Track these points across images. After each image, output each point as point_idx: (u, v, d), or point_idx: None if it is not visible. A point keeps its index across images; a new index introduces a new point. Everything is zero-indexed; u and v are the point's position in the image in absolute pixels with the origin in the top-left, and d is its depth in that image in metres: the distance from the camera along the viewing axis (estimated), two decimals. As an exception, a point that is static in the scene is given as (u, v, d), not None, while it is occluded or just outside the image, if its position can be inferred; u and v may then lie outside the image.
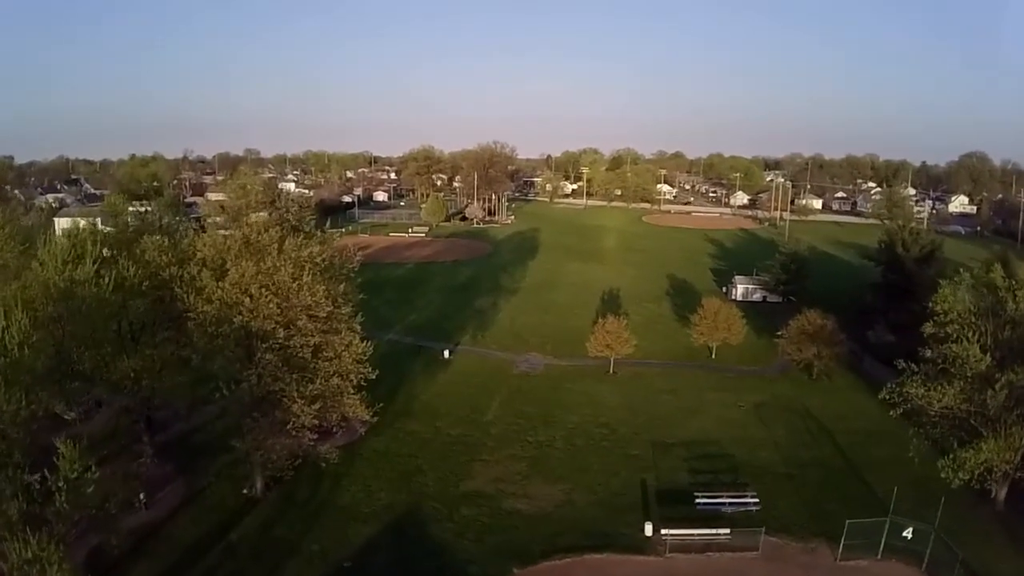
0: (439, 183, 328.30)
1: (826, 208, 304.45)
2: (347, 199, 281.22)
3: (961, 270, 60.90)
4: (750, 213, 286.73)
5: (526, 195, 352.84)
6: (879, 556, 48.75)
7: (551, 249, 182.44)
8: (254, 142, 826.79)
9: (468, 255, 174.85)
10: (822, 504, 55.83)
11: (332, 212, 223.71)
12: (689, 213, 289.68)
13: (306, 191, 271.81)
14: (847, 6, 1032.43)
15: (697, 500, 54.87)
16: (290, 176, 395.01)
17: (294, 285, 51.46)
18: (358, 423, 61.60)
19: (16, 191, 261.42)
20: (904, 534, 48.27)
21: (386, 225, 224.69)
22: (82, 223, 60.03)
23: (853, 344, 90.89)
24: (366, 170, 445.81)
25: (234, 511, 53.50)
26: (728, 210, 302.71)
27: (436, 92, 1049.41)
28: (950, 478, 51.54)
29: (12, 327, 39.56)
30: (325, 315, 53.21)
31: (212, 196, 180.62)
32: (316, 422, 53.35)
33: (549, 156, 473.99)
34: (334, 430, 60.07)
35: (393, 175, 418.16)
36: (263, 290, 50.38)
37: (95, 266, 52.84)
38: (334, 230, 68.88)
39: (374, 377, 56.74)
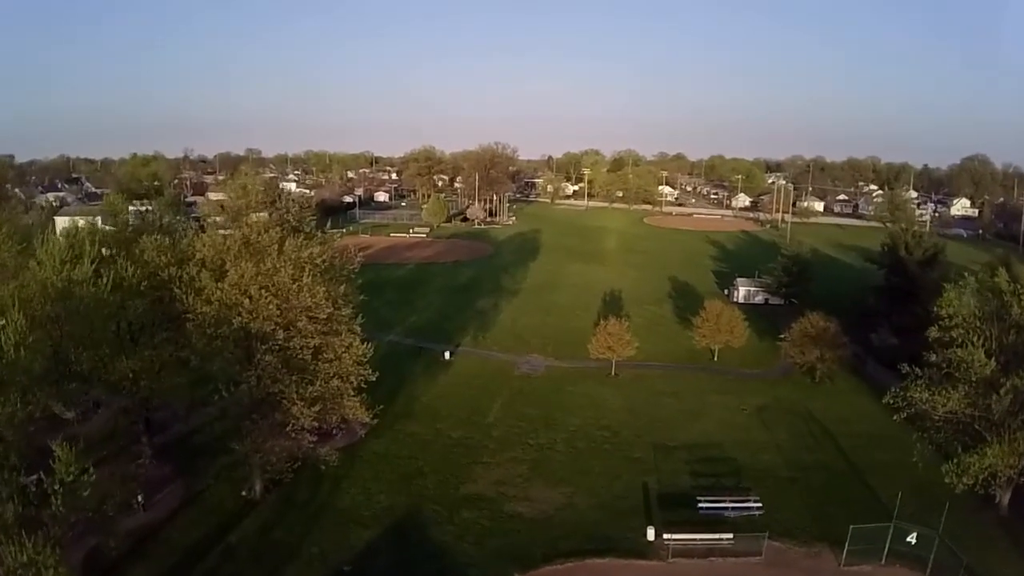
0: (440, 184, 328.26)
1: (828, 210, 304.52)
2: (348, 199, 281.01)
3: (966, 274, 60.49)
4: (751, 215, 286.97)
5: (527, 196, 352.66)
6: (883, 561, 48.37)
7: (552, 250, 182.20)
8: (255, 142, 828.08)
9: (469, 256, 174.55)
10: (825, 508, 55.38)
11: (333, 212, 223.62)
12: (690, 215, 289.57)
13: (307, 191, 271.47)
14: (848, 7, 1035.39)
15: (700, 504, 54.48)
16: (291, 176, 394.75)
17: (294, 286, 50.99)
18: (358, 425, 61.23)
19: (17, 190, 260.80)
20: (908, 539, 47.96)
21: (387, 226, 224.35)
22: (81, 222, 59.62)
23: (856, 347, 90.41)
24: (367, 170, 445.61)
25: (233, 513, 53.06)
26: (729, 212, 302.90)
27: (437, 92, 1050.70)
28: (954, 483, 51.08)
29: (8, 327, 39.12)
30: (325, 317, 52.71)
31: (213, 196, 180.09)
32: (316, 424, 52.92)
33: (550, 157, 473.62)
34: (334, 432, 59.86)
35: (394, 175, 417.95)
36: (263, 291, 49.90)
37: (93, 266, 52.41)
38: (335, 230, 68.44)
39: (374, 379, 56.24)
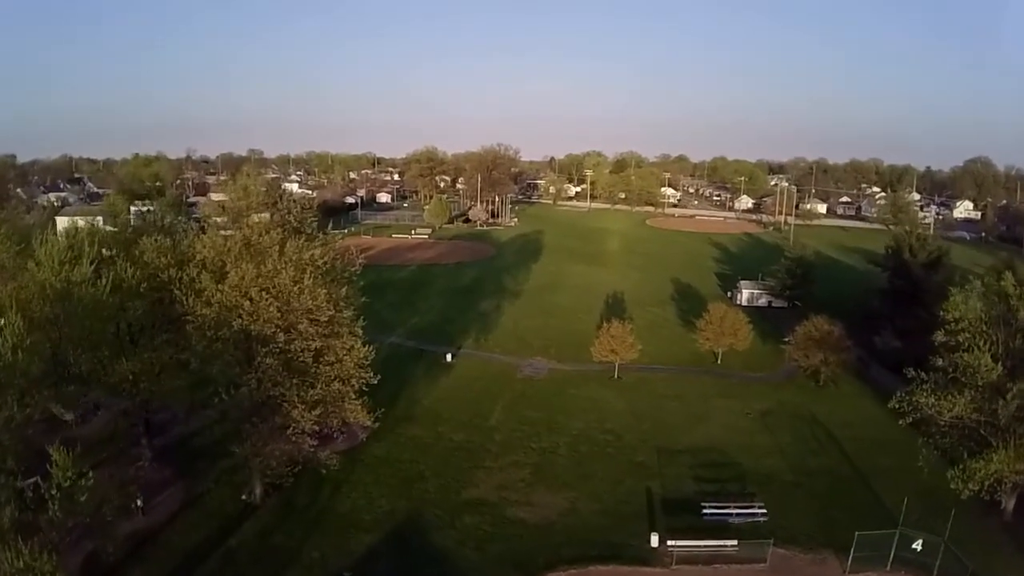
0: (442, 185, 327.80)
1: (830, 212, 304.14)
2: (350, 200, 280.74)
3: (972, 277, 59.99)
4: (754, 217, 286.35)
5: (529, 197, 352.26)
6: (888, 568, 47.97)
7: (554, 252, 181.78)
8: (258, 142, 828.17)
9: (471, 257, 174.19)
10: (830, 514, 55.00)
11: (335, 213, 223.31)
12: (693, 216, 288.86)
13: (309, 192, 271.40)
14: (849, 8, 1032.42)
15: (704, 510, 54.02)
16: (293, 177, 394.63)
17: (295, 288, 50.54)
18: (359, 428, 60.88)
19: (19, 190, 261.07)
20: (914, 546, 47.57)
21: (389, 227, 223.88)
22: (81, 223, 59.29)
23: (859, 350, 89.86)
24: (369, 171, 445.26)
25: (233, 517, 52.62)
26: (732, 214, 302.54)
27: (439, 93, 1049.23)
28: (960, 489, 50.68)
29: (6, 330, 38.73)
30: (326, 319, 52.31)
31: (215, 196, 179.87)
32: (316, 427, 52.50)
33: (552, 158, 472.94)
34: (335, 435, 59.39)
35: (396, 176, 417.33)
36: (263, 293, 49.55)
37: (93, 267, 52.03)
38: (336, 231, 68.05)
39: (376, 382, 55.77)
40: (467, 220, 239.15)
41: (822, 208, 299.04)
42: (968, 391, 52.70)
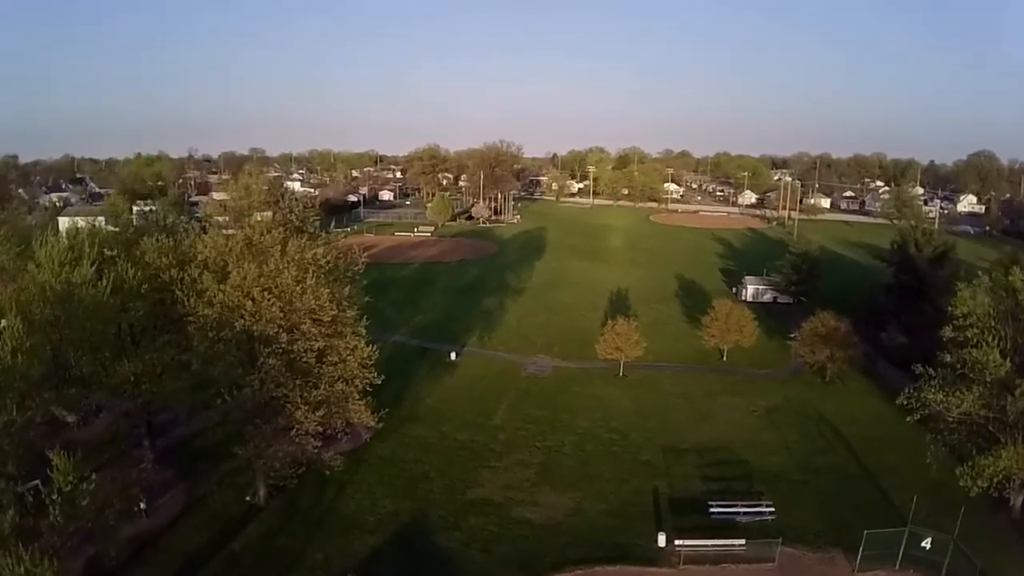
0: (445, 182, 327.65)
1: (834, 207, 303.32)
2: (352, 198, 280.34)
3: (980, 273, 59.42)
4: (758, 212, 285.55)
5: (532, 194, 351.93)
6: (897, 567, 47.52)
7: (558, 248, 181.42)
8: (260, 141, 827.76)
9: (474, 255, 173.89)
10: (838, 512, 54.47)
11: (337, 211, 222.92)
12: (696, 212, 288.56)
13: (311, 190, 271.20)
14: (851, 7, 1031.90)
15: (711, 509, 53.56)
16: (295, 175, 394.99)
17: (297, 288, 50.09)
18: (363, 428, 60.47)
19: (20, 190, 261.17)
20: (923, 544, 47.10)
21: (391, 224, 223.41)
22: (81, 223, 58.91)
23: (866, 346, 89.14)
24: (371, 169, 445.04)
25: (236, 519, 52.26)
26: (736, 209, 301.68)
27: (441, 91, 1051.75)
28: (969, 486, 50.20)
29: (5, 333, 38.36)
30: (329, 319, 51.90)
31: (217, 195, 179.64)
32: (320, 428, 52.07)
33: (555, 155, 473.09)
34: (338, 436, 59.00)
35: (399, 174, 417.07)
36: (265, 293, 49.10)
37: (93, 267, 51.64)
38: (339, 230, 67.55)
39: (380, 382, 55.35)
40: (470, 217, 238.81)
41: (826, 203, 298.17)
42: (976, 387, 52.24)
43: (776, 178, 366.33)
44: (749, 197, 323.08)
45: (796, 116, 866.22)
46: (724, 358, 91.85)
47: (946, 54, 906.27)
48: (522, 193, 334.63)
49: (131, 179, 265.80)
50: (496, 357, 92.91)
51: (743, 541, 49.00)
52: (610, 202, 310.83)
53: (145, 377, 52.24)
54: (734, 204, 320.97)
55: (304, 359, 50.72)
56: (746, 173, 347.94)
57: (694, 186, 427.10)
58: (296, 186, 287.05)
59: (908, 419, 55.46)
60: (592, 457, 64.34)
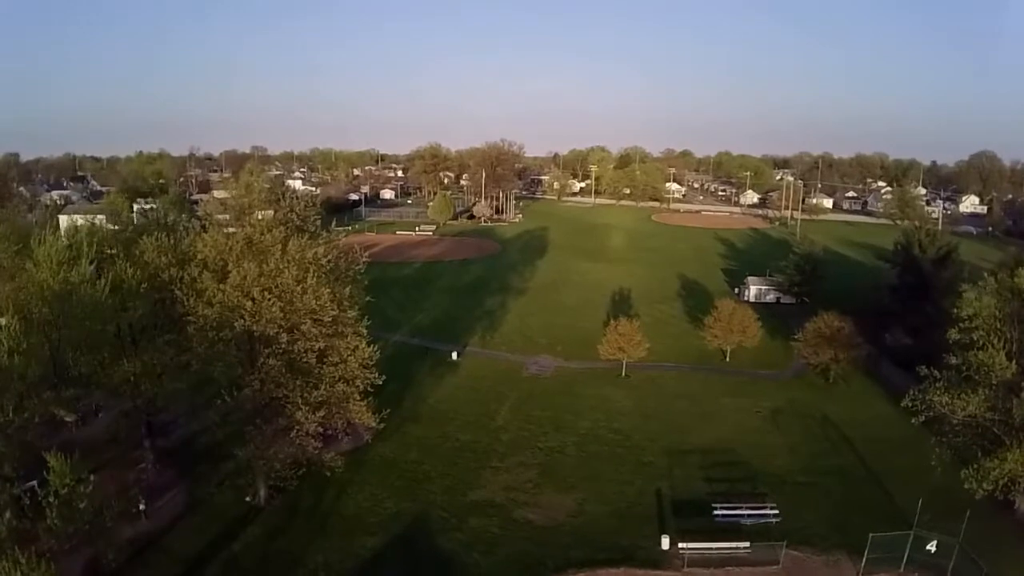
0: (446, 181, 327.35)
1: (837, 207, 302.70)
2: (354, 197, 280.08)
3: (986, 274, 58.93)
4: (760, 212, 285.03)
5: (534, 193, 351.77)
6: (902, 569, 47.11)
7: (559, 248, 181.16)
8: (261, 139, 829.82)
9: (476, 254, 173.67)
10: (843, 515, 54.07)
11: (339, 210, 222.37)
12: (698, 212, 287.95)
13: (313, 189, 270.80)
14: (853, 5, 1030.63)
15: (715, 511, 53.12)
16: (297, 174, 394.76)
17: (298, 288, 49.54)
18: (364, 428, 59.99)
19: (22, 188, 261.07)
20: (928, 547, 46.65)
21: (393, 223, 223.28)
22: (80, 221, 58.50)
23: (869, 347, 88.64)
24: (373, 168, 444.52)
25: (236, 520, 51.88)
26: (738, 209, 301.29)
27: (443, 90, 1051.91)
28: (974, 489, 49.70)
29: (3, 332, 37.98)
30: (330, 319, 51.33)
31: (218, 194, 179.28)
32: (321, 429, 51.69)
33: (557, 154, 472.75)
34: (339, 436, 58.57)
35: (400, 173, 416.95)
36: (266, 293, 48.66)
37: (92, 266, 51.26)
38: (340, 228, 67.12)
39: (381, 382, 54.91)
40: (471, 216, 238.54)
41: (828, 203, 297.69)
42: (982, 390, 51.78)
43: (778, 178, 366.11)
44: (751, 197, 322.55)
45: (800, 113, 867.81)
46: (727, 359, 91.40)
47: (948, 54, 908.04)
48: (524, 192, 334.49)
49: (132, 177, 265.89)
50: (498, 357, 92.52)
51: (747, 544, 48.61)
52: (612, 201, 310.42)
53: (144, 377, 51.97)
54: (736, 204, 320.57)
55: (304, 359, 50.32)
56: (748, 173, 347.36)
57: (696, 186, 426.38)
58: (297, 184, 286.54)
59: (913, 421, 54.95)
60: (594, 458, 63.93)
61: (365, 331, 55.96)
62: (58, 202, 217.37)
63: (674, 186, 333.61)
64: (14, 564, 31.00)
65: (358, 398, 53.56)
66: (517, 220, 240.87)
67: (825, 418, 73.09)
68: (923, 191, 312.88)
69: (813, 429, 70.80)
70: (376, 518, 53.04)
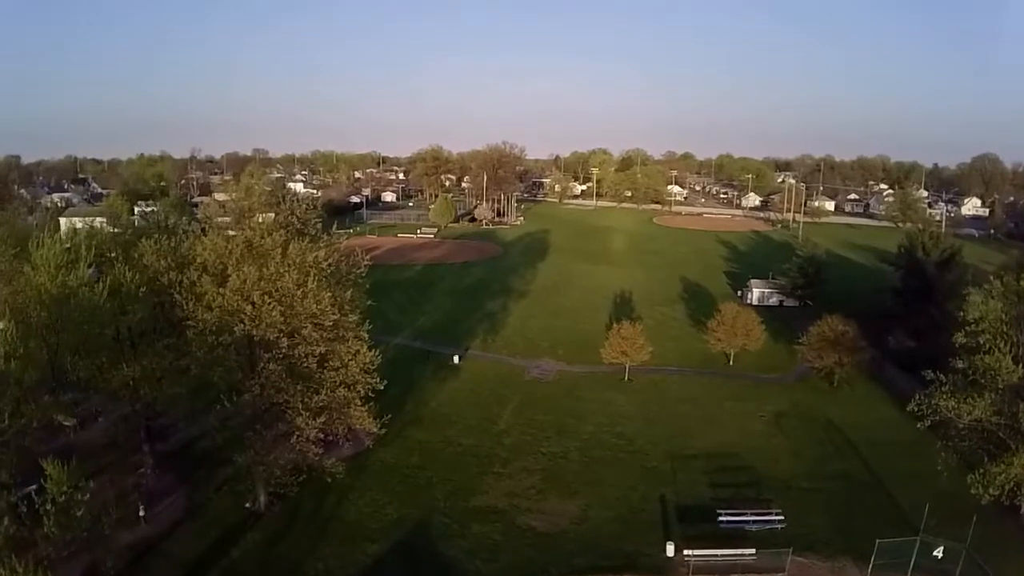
0: (448, 184, 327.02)
1: (839, 210, 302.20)
2: (355, 199, 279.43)
3: (992, 278, 58.43)
4: (762, 215, 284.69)
5: (535, 196, 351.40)
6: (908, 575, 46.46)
7: (561, 251, 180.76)
8: (262, 142, 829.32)
9: (477, 257, 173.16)
10: (848, 520, 53.62)
11: (340, 212, 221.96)
12: (700, 215, 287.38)
13: (314, 191, 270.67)
14: (854, 7, 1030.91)
15: (720, 518, 52.64)
16: (298, 176, 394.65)
17: (298, 292, 49.03)
18: (365, 433, 59.48)
19: (23, 190, 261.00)
20: (935, 553, 46.38)
21: (394, 226, 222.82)
22: (79, 224, 58.10)
23: (873, 350, 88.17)
24: (374, 170, 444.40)
25: (236, 526, 51.37)
26: (739, 212, 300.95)
27: (444, 92, 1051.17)
28: (980, 494, 49.27)
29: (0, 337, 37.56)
30: (331, 323, 50.77)
31: (218, 196, 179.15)
32: (321, 435, 51.19)
33: (558, 157, 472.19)
34: (340, 442, 58.09)
35: (401, 175, 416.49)
36: (266, 297, 48.11)
37: (91, 270, 50.84)
38: (341, 231, 66.61)
39: (382, 387, 54.32)
40: (473, 219, 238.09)
41: (830, 205, 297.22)
42: (988, 394, 51.29)
43: (780, 180, 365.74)
44: (753, 200, 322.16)
45: (802, 116, 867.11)
46: (730, 362, 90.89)
47: (950, 56, 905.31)
48: (525, 195, 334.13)
49: (133, 180, 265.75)
50: (500, 360, 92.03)
51: (753, 551, 48.04)
52: (613, 204, 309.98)
53: (144, 382, 51.53)
54: (738, 206, 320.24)
55: (305, 364, 49.80)
56: (750, 175, 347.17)
57: (697, 188, 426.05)
58: (299, 187, 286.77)
59: (919, 425, 54.39)
60: (598, 463, 63.43)
61: (366, 335, 55.46)
62: (59, 204, 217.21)
63: (675, 188, 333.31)
64: (11, 572, 30.54)
65: (359, 403, 52.88)
66: (518, 223, 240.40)
67: (829, 422, 72.63)
68: (925, 194, 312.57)
69: (817, 433, 70.32)
70: (377, 524, 52.51)
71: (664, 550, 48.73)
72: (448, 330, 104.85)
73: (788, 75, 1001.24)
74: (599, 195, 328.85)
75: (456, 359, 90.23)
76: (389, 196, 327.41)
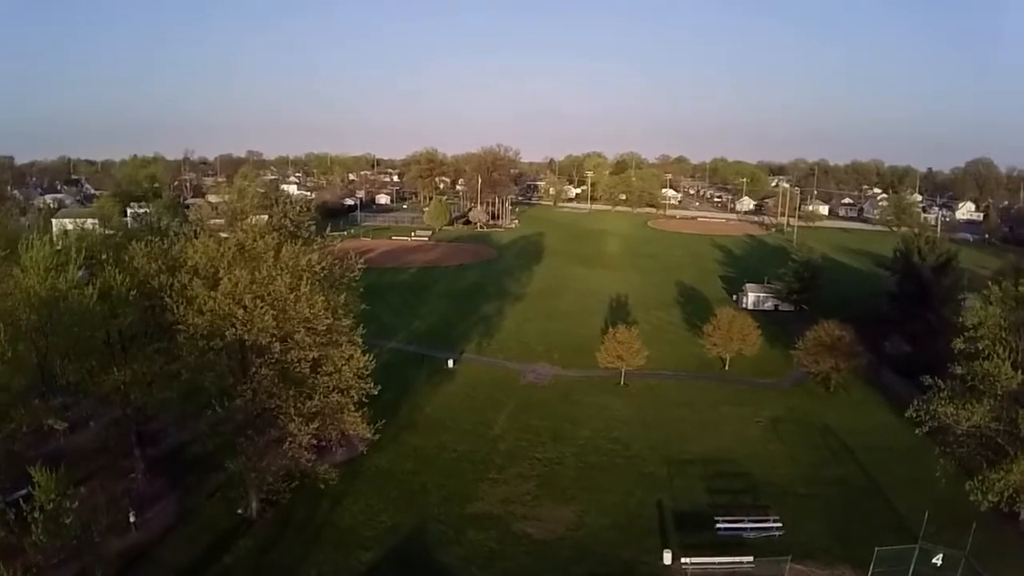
0: (442, 186, 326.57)
1: (833, 214, 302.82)
2: (349, 202, 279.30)
3: (990, 283, 58.09)
4: (756, 219, 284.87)
5: (529, 199, 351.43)
6: (907, 583, 46.13)
7: (556, 254, 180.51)
8: (256, 144, 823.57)
9: (472, 260, 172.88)
10: (847, 527, 53.14)
11: (334, 215, 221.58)
12: (695, 218, 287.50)
13: (308, 193, 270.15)
14: (849, 10, 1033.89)
15: (717, 525, 52.12)
16: (292, 178, 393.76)
17: (291, 296, 48.38)
18: (358, 439, 58.83)
19: (16, 191, 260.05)
20: (934, 561, 45.97)
21: (389, 228, 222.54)
22: (69, 226, 57.48)
23: (869, 355, 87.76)
24: (369, 172, 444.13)
25: (228, 533, 50.68)
26: (734, 215, 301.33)
27: (439, 94, 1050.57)
28: (979, 500, 49.02)
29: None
30: (324, 328, 50.15)
31: (212, 198, 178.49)
32: (314, 441, 50.59)
33: (552, 160, 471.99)
34: (333, 448, 57.45)
35: (396, 178, 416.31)
36: (258, 301, 47.46)
37: (81, 272, 50.20)
38: (335, 234, 66.04)
39: (376, 392, 53.84)
40: (467, 222, 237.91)
41: (824, 210, 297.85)
42: (987, 400, 50.97)
43: (774, 184, 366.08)
44: (747, 203, 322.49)
45: (795, 120, 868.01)
46: (726, 367, 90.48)
47: (945, 60, 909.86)
48: (520, 198, 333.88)
49: (126, 181, 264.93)
50: (495, 364, 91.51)
51: (751, 558, 47.54)
52: (608, 207, 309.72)
53: (134, 386, 50.90)
54: (732, 210, 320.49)
55: (298, 369, 49.22)
56: (744, 179, 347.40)
57: (692, 192, 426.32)
58: (292, 189, 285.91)
59: (917, 431, 54.18)
60: (594, 469, 62.86)
61: (360, 340, 54.94)
62: (51, 206, 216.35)
63: (670, 192, 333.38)
64: (-2, 580, 30.02)
65: (353, 408, 52.39)
66: (513, 226, 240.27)
67: (826, 427, 72.20)
68: (919, 198, 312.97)
69: (814, 438, 69.86)
70: (372, 531, 51.83)
71: (661, 558, 48.16)
72: (443, 334, 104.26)
73: (783, 78, 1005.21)
74: (593, 198, 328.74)
75: (451, 363, 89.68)
76: (383, 198, 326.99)
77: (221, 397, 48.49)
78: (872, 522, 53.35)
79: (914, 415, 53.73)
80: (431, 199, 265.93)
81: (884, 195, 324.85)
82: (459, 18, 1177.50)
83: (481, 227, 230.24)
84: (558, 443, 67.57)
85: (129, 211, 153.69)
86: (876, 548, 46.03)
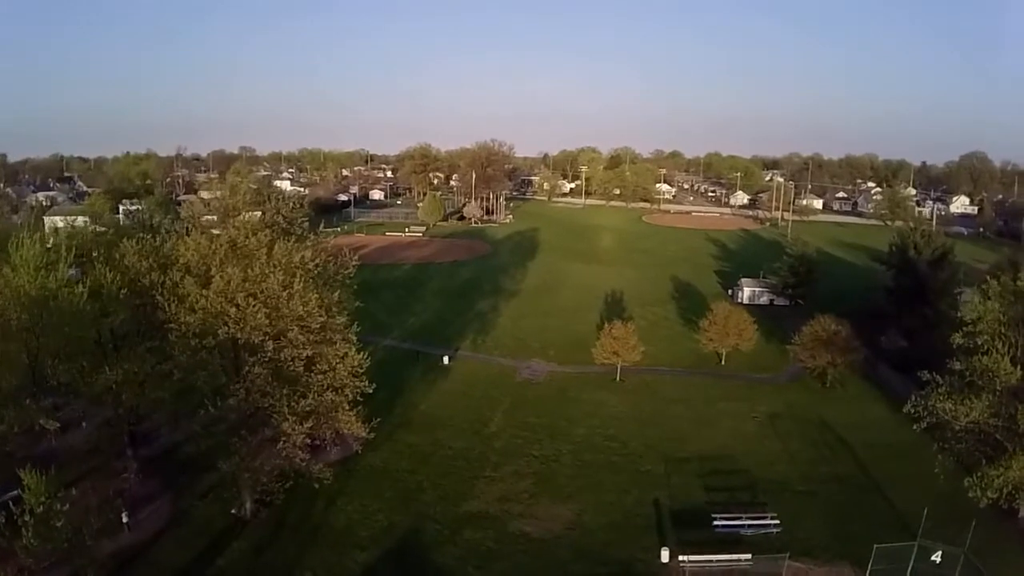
0: (436, 182, 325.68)
1: (827, 208, 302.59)
2: (343, 197, 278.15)
3: (988, 277, 57.81)
4: (750, 213, 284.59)
5: (524, 194, 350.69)
6: (906, 581, 45.89)
7: (551, 249, 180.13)
8: (249, 140, 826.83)
9: (467, 256, 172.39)
10: (844, 524, 52.91)
11: (327, 211, 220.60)
12: (689, 213, 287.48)
13: (301, 189, 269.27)
14: (843, 6, 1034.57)
15: (715, 522, 51.85)
16: (285, 174, 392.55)
17: (284, 294, 47.87)
18: (353, 437, 58.33)
19: (8, 189, 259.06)
20: (933, 558, 45.68)
21: (382, 224, 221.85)
22: (60, 223, 56.91)
23: (865, 350, 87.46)
24: (362, 168, 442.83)
25: (222, 533, 50.33)
26: (728, 210, 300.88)
27: (433, 90, 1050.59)
28: (978, 497, 48.80)
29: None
30: (318, 326, 49.68)
31: (204, 195, 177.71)
32: (308, 440, 50.09)
33: (547, 155, 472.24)
34: (327, 446, 56.91)
35: (390, 173, 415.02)
36: (250, 299, 46.97)
37: (72, 271, 49.65)
38: (329, 230, 65.43)
39: (371, 391, 53.24)
40: (462, 217, 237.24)
41: (818, 204, 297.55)
42: (986, 395, 50.72)
43: (768, 179, 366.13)
44: (741, 198, 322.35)
45: (789, 114, 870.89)
46: (722, 362, 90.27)
47: (938, 55, 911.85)
48: (514, 193, 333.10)
49: (118, 178, 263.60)
50: (490, 361, 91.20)
51: (749, 556, 47.27)
52: (602, 202, 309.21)
53: (126, 386, 50.36)
54: (726, 205, 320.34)
55: (291, 368, 48.71)
56: (738, 173, 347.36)
57: (686, 186, 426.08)
58: (286, 185, 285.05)
59: (915, 427, 53.86)
60: (590, 467, 62.53)
61: (354, 337, 54.47)
62: (44, 203, 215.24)
63: (664, 187, 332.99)
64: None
65: (347, 407, 51.86)
66: (508, 221, 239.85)
67: (823, 423, 71.94)
68: (913, 192, 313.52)
69: (811, 434, 69.60)
70: (367, 531, 51.46)
71: (659, 556, 47.89)
72: (438, 331, 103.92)
73: (778, 73, 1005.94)
74: (588, 193, 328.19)
75: (446, 360, 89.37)
76: (377, 194, 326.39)
77: (214, 396, 47.96)
78: (870, 519, 53.17)
79: (912, 411, 53.48)
80: (425, 194, 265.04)
81: (878, 189, 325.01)
82: (459, 18, 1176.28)
83: (475, 223, 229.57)
84: (554, 440, 67.26)
85: (121, 208, 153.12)
86: (875, 545, 45.74)
